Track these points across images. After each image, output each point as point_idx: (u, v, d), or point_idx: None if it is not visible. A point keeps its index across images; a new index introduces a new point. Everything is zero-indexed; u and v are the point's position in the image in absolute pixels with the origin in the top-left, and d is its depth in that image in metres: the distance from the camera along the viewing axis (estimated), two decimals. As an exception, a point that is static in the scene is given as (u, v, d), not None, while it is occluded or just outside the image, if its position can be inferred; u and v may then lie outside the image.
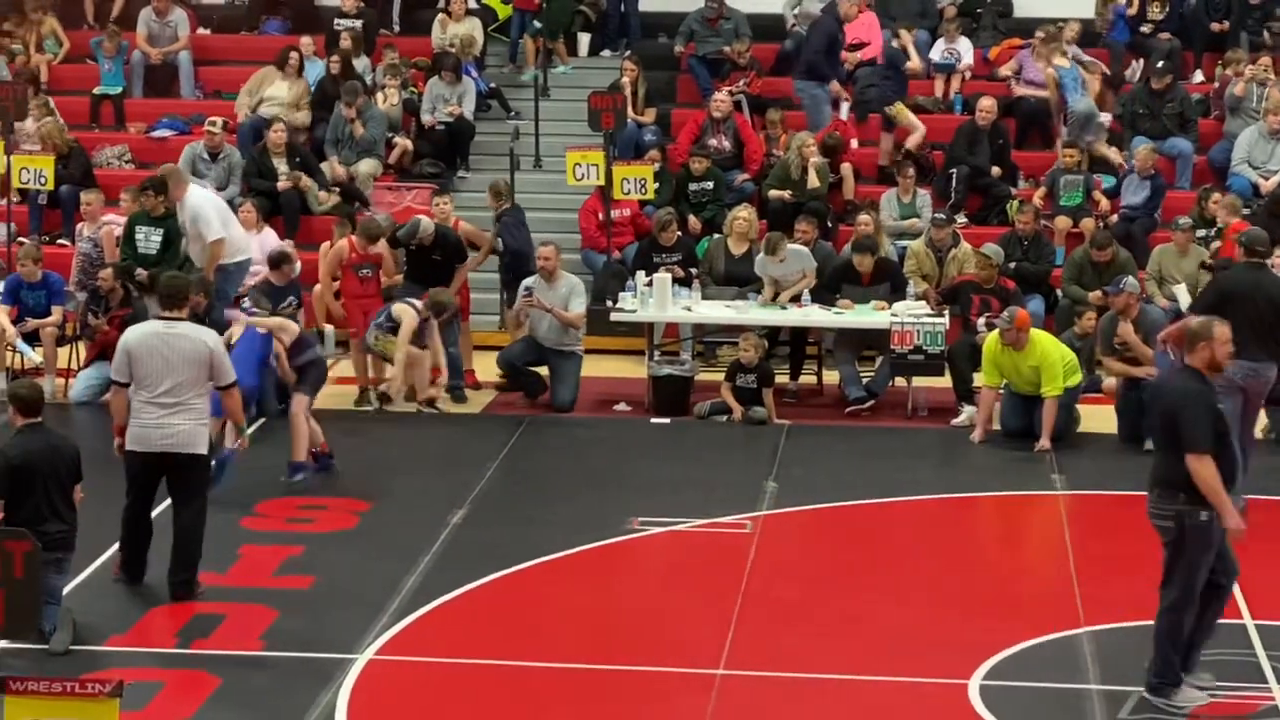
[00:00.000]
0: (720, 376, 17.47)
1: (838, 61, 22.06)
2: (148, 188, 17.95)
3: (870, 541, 14.20)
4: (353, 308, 17.68)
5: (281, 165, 20.83)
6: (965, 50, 22.82)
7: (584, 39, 24.07)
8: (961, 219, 20.32)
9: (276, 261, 17.04)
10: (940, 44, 22.85)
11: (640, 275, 18.02)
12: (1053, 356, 16.14)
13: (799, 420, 17.11)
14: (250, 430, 14.47)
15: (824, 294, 17.82)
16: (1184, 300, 17.94)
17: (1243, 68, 21.74)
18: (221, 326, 15.48)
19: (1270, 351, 14.10)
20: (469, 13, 23.28)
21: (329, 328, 19.09)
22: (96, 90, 23.08)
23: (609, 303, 18.09)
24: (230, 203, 19.68)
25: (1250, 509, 12.52)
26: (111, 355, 12.66)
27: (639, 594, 13.09)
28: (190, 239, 17.50)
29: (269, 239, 19.12)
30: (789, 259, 17.93)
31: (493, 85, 22.93)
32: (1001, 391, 16.47)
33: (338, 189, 21.00)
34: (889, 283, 17.93)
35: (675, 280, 18.06)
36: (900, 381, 17.56)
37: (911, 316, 17.26)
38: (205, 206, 17.49)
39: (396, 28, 24.35)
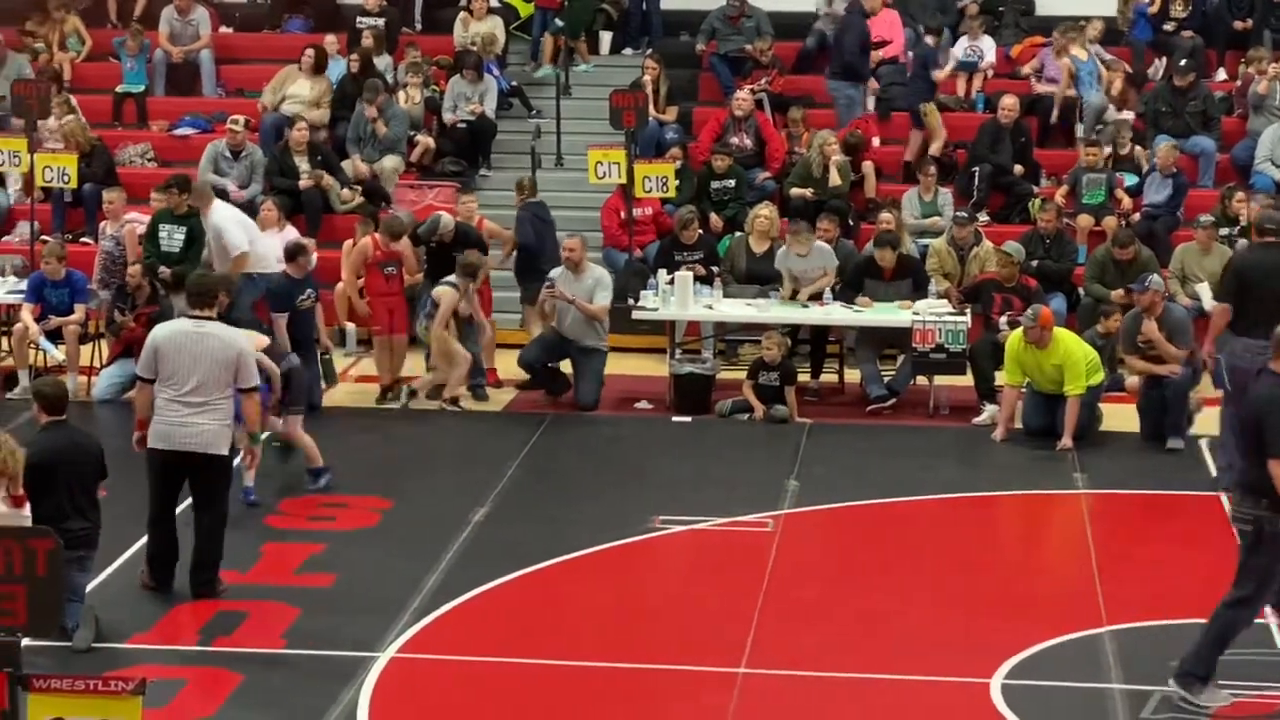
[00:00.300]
0: (742, 375, 17.46)
1: (868, 61, 22.06)
2: (171, 185, 18.02)
3: (892, 540, 14.15)
4: (378, 305, 17.70)
5: (303, 164, 20.84)
6: (988, 48, 22.78)
7: (606, 37, 24.06)
8: (983, 217, 20.28)
9: (292, 254, 16.91)
10: (963, 42, 22.81)
11: (662, 273, 18.00)
12: (1075, 355, 16.10)
13: (820, 419, 17.08)
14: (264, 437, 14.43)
15: (846, 292, 17.82)
16: (1207, 299, 17.90)
17: (1265, 65, 21.66)
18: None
19: None
20: (491, 11, 23.28)
21: (350, 326, 19.12)
22: (119, 89, 23.10)
23: (631, 301, 18.10)
24: (252, 201, 19.74)
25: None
26: (136, 353, 12.70)
27: (660, 592, 13.09)
28: (215, 254, 17.53)
29: (291, 237, 19.10)
30: (811, 254, 17.92)
31: (514, 83, 22.92)
32: (1024, 390, 16.45)
33: (360, 187, 21.02)
34: (911, 279, 17.91)
35: (697, 278, 18.05)
36: (922, 380, 17.50)
37: (933, 315, 17.24)
38: (229, 222, 17.57)
39: (418, 26, 24.36)
